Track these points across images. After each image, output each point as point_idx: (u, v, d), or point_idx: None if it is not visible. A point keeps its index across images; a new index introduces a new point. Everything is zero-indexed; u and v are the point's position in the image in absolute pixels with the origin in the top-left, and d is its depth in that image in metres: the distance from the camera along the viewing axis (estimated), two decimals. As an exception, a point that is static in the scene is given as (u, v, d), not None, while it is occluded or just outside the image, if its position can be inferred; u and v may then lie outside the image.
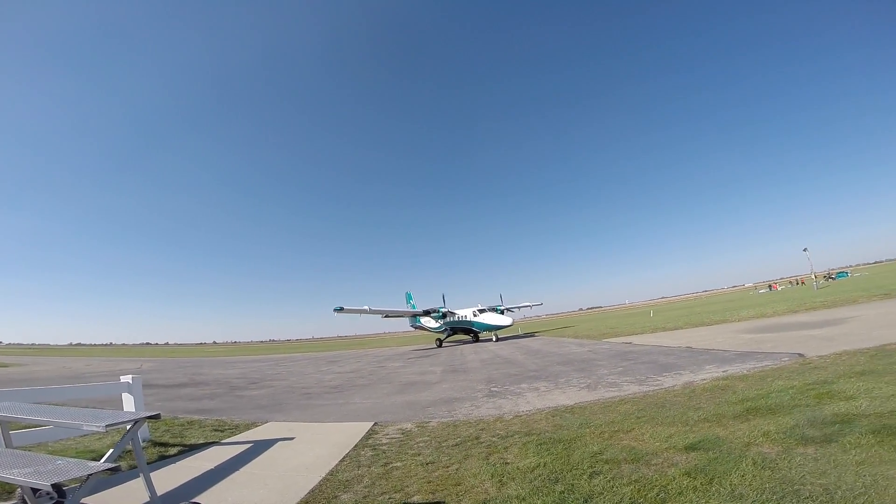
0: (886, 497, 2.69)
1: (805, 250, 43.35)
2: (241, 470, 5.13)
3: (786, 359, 8.30)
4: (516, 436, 5.37)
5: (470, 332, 34.49)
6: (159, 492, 3.76)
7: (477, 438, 5.48)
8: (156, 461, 5.64)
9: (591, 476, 3.72)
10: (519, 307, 41.07)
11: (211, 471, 5.15)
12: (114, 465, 3.05)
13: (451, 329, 35.08)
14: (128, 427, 3.44)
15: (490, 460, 4.51)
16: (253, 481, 4.73)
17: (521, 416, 6.61)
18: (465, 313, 34.02)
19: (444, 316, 35.09)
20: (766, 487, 3.04)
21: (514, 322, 30.88)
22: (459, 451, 5.03)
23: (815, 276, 56.75)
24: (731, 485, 3.17)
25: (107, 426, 3.13)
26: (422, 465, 4.67)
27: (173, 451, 6.15)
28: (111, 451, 3.39)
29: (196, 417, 8.70)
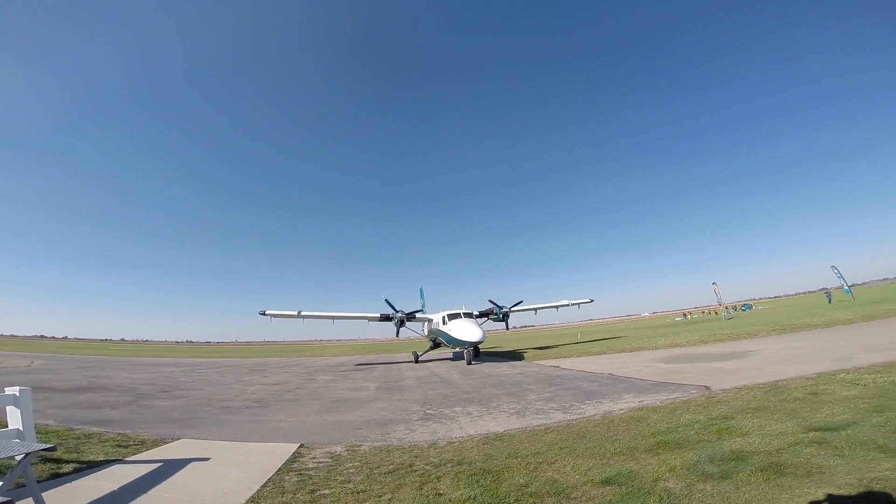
0: (767, 534, 3.08)
1: (714, 284, 47.91)
2: (149, 493, 4.72)
3: (693, 391, 9.12)
4: (449, 464, 5.46)
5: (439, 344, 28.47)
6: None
7: (410, 466, 5.50)
8: (47, 479, 5.05)
9: (517, 510, 3.89)
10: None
11: (114, 493, 4.72)
12: (6, 499, 2.76)
13: (434, 341, 29.29)
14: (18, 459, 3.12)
15: (423, 491, 4.56)
16: (165, 507, 4.42)
17: (453, 442, 6.71)
18: (436, 319, 27.55)
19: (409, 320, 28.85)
20: (670, 524, 3.35)
21: (485, 336, 23.19)
22: (392, 479, 5.02)
23: (725, 308, 62.78)
24: (640, 521, 3.46)
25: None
26: (352, 493, 4.61)
27: (68, 468, 5.57)
28: (1, 483, 3.05)
29: (95, 429, 7.96)
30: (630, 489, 4.11)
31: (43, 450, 3.37)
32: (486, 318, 29.11)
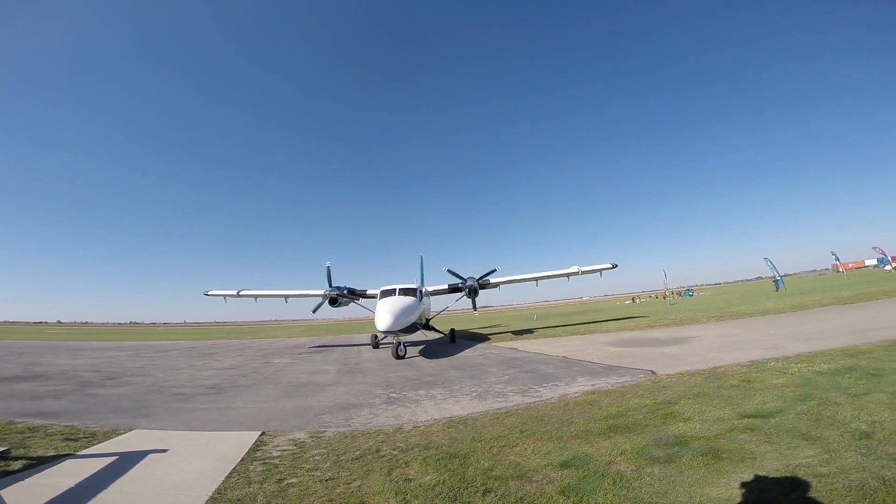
0: (706, 512, 3.45)
1: (664, 273, 50.98)
2: (110, 488, 4.57)
3: (641, 376, 9.76)
4: (416, 449, 5.63)
5: None
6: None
7: (377, 451, 5.62)
8: (-4, 478, 4.81)
9: (483, 493, 4.11)
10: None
11: (71, 489, 4.54)
12: None
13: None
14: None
15: (392, 476, 4.70)
16: (127, 502, 4.32)
17: (419, 426, 6.89)
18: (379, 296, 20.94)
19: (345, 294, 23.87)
20: (622, 506, 3.68)
21: (402, 323, 17.82)
22: (360, 465, 5.13)
23: (670, 293, 66.80)
24: (596, 503, 3.77)
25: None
26: (320, 481, 4.68)
27: (16, 465, 5.29)
28: None
29: (39, 422, 7.55)
30: (586, 472, 4.43)
31: None
32: (461, 295, 24.37)
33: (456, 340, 24.18)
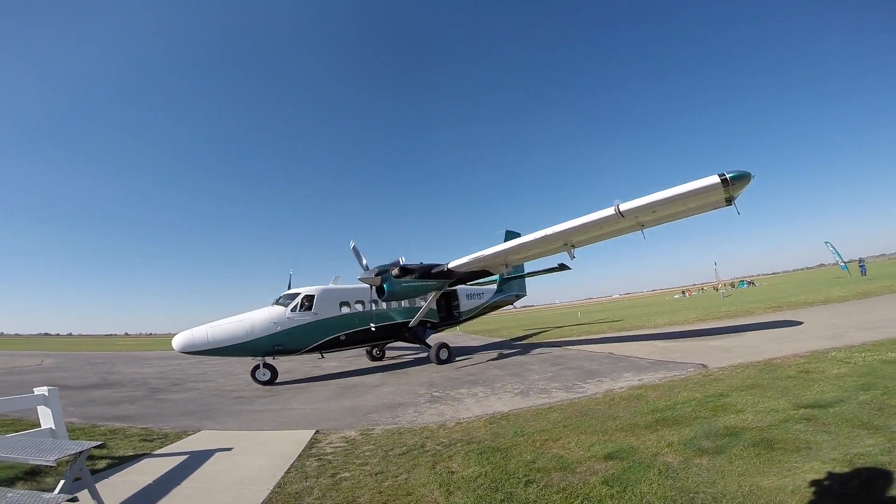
0: None
1: (715, 264, 48.69)
2: (183, 484, 5.04)
3: (691, 369, 9.45)
4: (459, 444, 5.78)
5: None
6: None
7: (422, 447, 5.81)
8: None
9: (526, 484, 4.20)
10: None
11: (150, 486, 5.03)
12: (71, 496, 3.02)
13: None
14: (75, 457, 3.39)
15: (436, 469, 4.87)
16: (199, 496, 4.70)
17: (461, 422, 7.03)
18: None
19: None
20: (668, 496, 3.65)
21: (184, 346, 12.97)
22: (406, 459, 5.34)
23: (723, 285, 63.63)
24: (640, 493, 3.76)
25: (56, 460, 3.09)
26: (370, 474, 4.92)
27: (101, 464, 5.87)
28: (62, 481, 3.33)
29: (118, 425, 8.27)
30: (631, 463, 4.42)
31: (94, 447, 3.65)
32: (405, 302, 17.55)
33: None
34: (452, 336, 32.02)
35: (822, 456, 4.06)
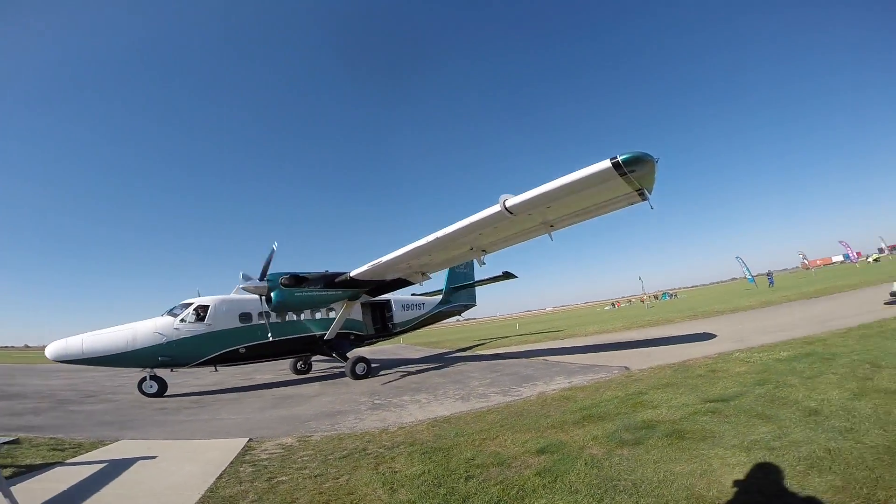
0: (672, 487, 3.79)
1: (640, 278, 52.57)
2: (102, 491, 4.70)
3: (615, 371, 10.19)
4: (401, 446, 5.86)
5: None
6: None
7: (364, 450, 5.82)
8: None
9: (466, 479, 4.40)
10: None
11: (65, 492, 4.65)
12: None
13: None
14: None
15: (379, 469, 4.94)
16: (123, 501, 4.44)
17: (404, 427, 7.11)
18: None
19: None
20: (594, 483, 4.01)
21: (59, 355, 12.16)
22: (347, 462, 5.34)
23: (648, 297, 68.64)
24: (569, 482, 4.08)
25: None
26: (309, 477, 4.88)
27: (6, 472, 5.33)
28: None
29: (22, 435, 7.47)
30: (561, 456, 4.77)
31: (7, 443, 3.36)
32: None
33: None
34: (394, 348, 31.72)
35: (725, 443, 4.64)
